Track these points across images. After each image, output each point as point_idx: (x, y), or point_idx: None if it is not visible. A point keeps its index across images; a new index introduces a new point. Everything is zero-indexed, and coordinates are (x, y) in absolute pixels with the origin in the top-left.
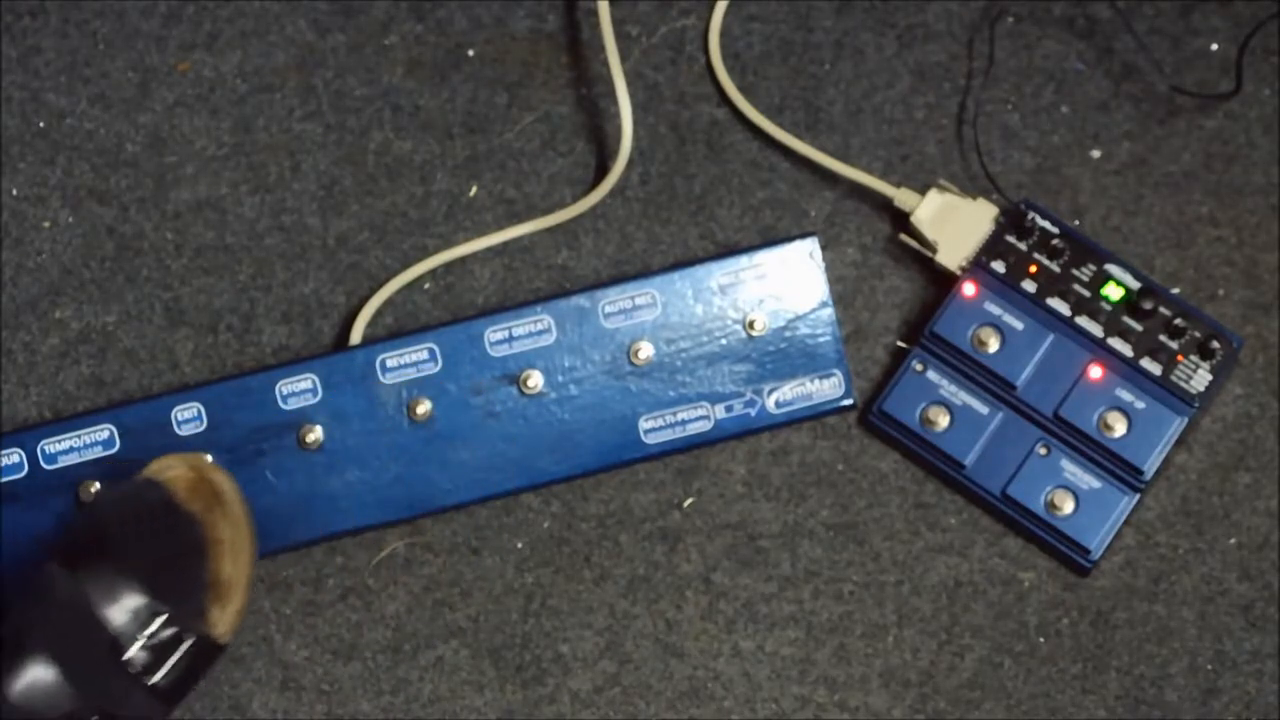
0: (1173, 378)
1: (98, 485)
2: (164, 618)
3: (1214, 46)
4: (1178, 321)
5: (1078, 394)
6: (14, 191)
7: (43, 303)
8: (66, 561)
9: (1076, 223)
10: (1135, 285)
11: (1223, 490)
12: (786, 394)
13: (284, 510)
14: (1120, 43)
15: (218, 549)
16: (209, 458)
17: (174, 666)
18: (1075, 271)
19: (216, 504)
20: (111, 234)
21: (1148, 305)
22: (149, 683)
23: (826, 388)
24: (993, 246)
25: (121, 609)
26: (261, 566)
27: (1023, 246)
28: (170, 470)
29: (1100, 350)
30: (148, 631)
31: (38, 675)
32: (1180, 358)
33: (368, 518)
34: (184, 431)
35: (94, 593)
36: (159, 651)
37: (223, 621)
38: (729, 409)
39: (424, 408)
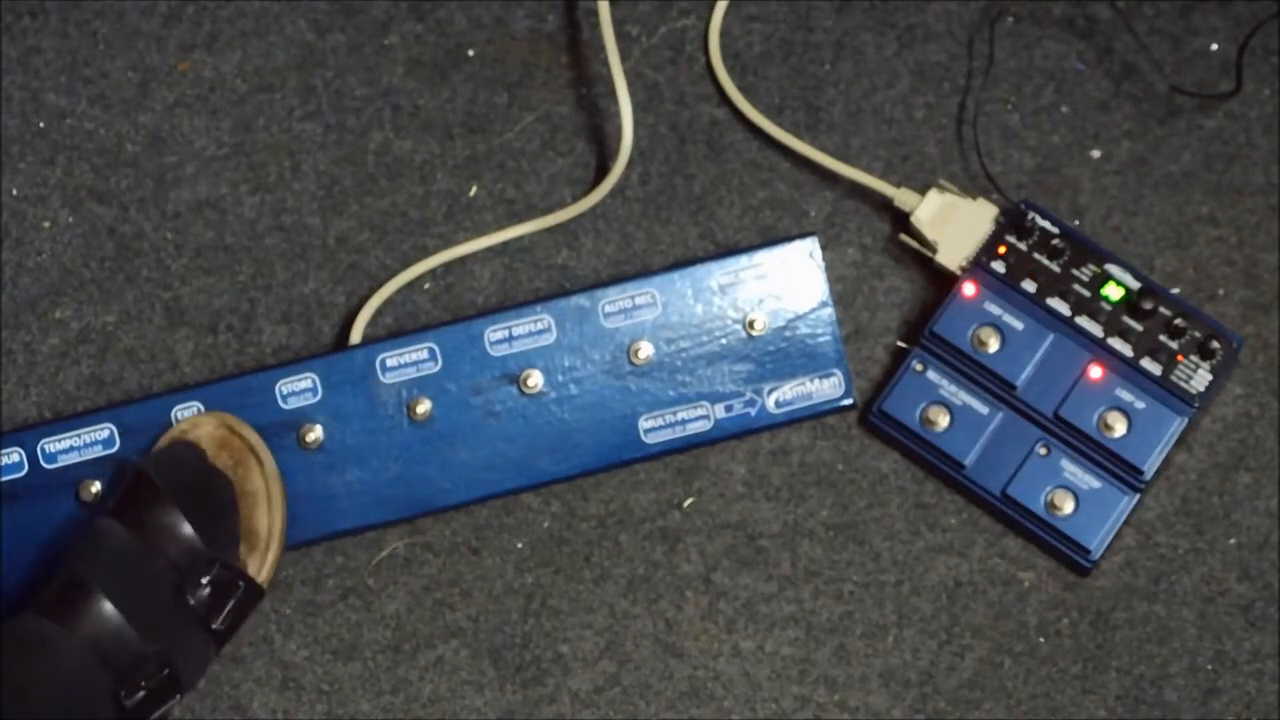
0: (1173, 378)
1: (98, 485)
2: (218, 564)
3: (1214, 46)
4: (1178, 321)
5: (1078, 394)
6: (14, 191)
7: (43, 303)
8: (119, 515)
9: (1076, 223)
10: (1135, 285)
11: (1223, 490)
12: (786, 394)
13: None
14: (1120, 43)
15: (249, 501)
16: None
17: (230, 610)
18: (1075, 271)
19: (246, 457)
20: (111, 234)
21: (1148, 305)
22: (212, 626)
23: (826, 387)
24: (993, 246)
25: (182, 554)
26: None
27: (1023, 246)
28: (200, 428)
29: (1100, 350)
30: (206, 577)
31: (105, 622)
32: (1180, 358)
33: (368, 517)
34: None
35: (154, 540)
36: (217, 596)
37: (261, 570)
38: (729, 408)
39: (424, 407)
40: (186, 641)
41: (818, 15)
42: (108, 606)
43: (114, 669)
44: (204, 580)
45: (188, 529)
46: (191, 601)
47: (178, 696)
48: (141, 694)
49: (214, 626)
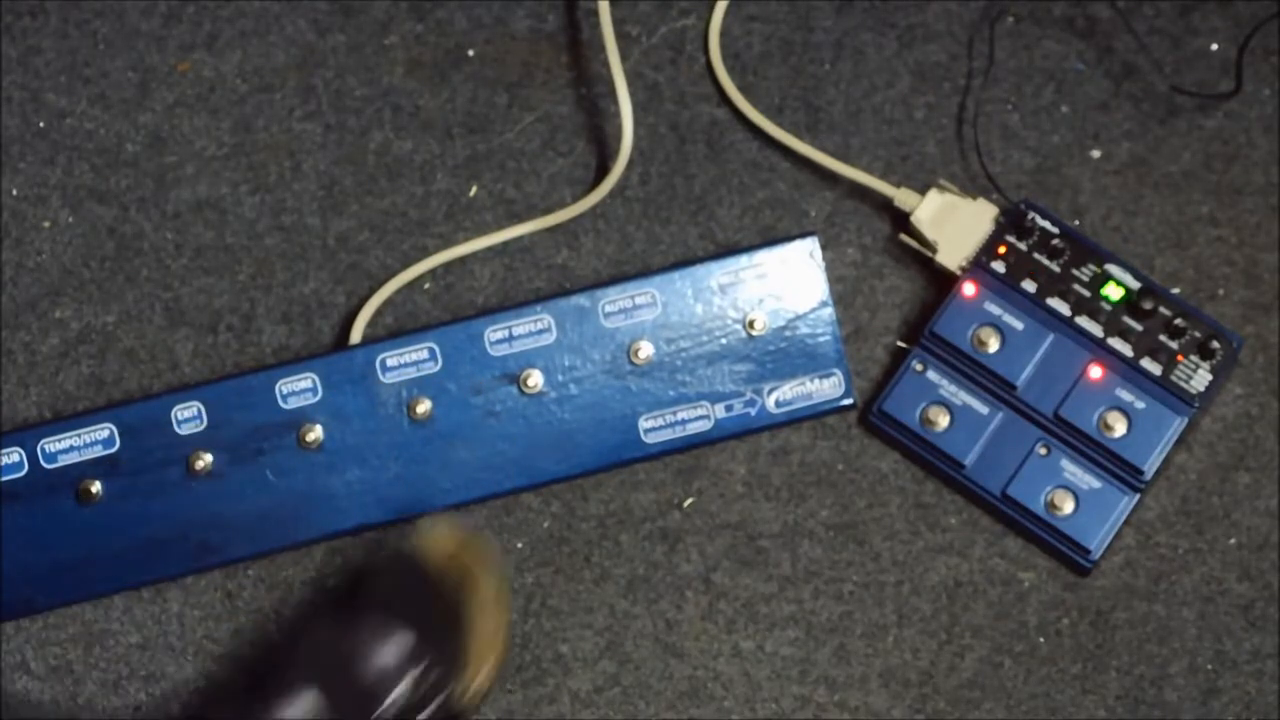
0: (1173, 378)
1: (99, 484)
2: (424, 667)
3: (1214, 46)
4: (1178, 321)
5: (1078, 394)
6: (14, 191)
7: (43, 303)
8: (327, 615)
9: (1076, 223)
10: (1135, 285)
11: (1223, 490)
12: (786, 393)
13: (284, 510)
14: (1120, 43)
15: (477, 609)
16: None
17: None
18: (1075, 271)
19: (474, 571)
20: (111, 234)
21: (1148, 305)
22: None
23: (826, 387)
24: (993, 246)
25: (388, 654)
26: (261, 566)
27: (1023, 246)
28: (433, 538)
29: (1100, 350)
30: (410, 678)
31: (307, 706)
32: (1180, 358)
33: (368, 517)
34: (184, 431)
35: (365, 635)
36: (417, 704)
37: (479, 682)
38: (729, 408)
39: (424, 407)
40: None
41: (818, 15)
42: (311, 694)
43: None
44: (404, 682)
45: (401, 629)
46: (387, 702)
47: None
48: None
49: None
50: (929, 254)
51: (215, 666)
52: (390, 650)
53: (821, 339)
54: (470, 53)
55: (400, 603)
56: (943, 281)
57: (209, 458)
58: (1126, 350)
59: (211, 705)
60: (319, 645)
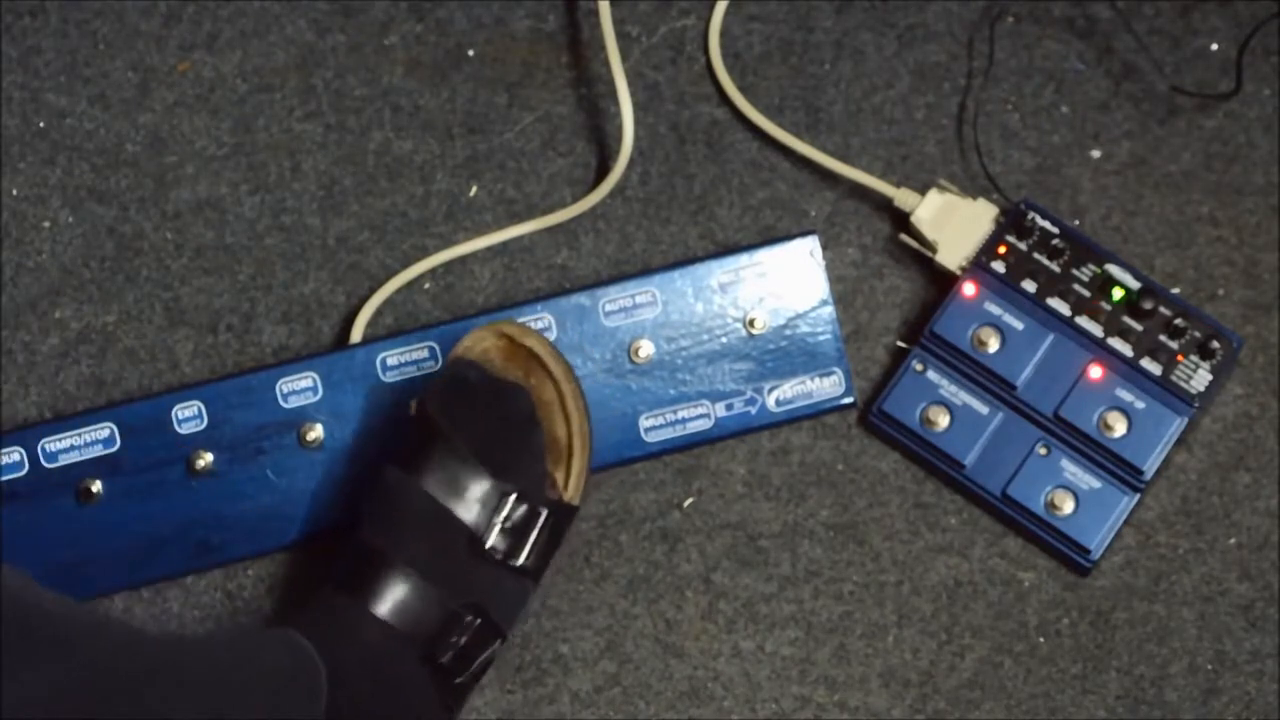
0: (1173, 378)
1: (99, 484)
2: (513, 497)
3: (1214, 46)
4: (1178, 321)
5: (1078, 394)
6: (14, 191)
7: (43, 303)
8: (405, 464)
9: (1076, 223)
10: (1135, 285)
11: (1223, 490)
12: (787, 392)
13: (284, 509)
14: (1120, 43)
15: (547, 411)
16: (517, 322)
17: (534, 543)
18: (1075, 271)
19: (536, 366)
20: (111, 234)
21: (1148, 305)
22: (515, 564)
23: (827, 386)
24: (993, 246)
25: (470, 501)
26: (261, 566)
27: (1023, 246)
28: (482, 343)
29: (1100, 350)
30: (501, 516)
31: (404, 589)
32: (1180, 358)
33: None
34: (184, 430)
35: (439, 492)
36: (517, 533)
37: (570, 483)
38: (729, 407)
39: None
40: (495, 586)
41: (818, 15)
42: (407, 572)
43: (423, 634)
44: (501, 521)
45: (473, 467)
46: (490, 544)
47: (499, 641)
48: (456, 650)
49: (520, 564)
50: (929, 254)
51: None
52: (471, 499)
53: (822, 338)
54: (470, 53)
55: (468, 439)
56: (943, 281)
57: (209, 457)
58: (1126, 350)
59: (303, 611)
60: (402, 518)
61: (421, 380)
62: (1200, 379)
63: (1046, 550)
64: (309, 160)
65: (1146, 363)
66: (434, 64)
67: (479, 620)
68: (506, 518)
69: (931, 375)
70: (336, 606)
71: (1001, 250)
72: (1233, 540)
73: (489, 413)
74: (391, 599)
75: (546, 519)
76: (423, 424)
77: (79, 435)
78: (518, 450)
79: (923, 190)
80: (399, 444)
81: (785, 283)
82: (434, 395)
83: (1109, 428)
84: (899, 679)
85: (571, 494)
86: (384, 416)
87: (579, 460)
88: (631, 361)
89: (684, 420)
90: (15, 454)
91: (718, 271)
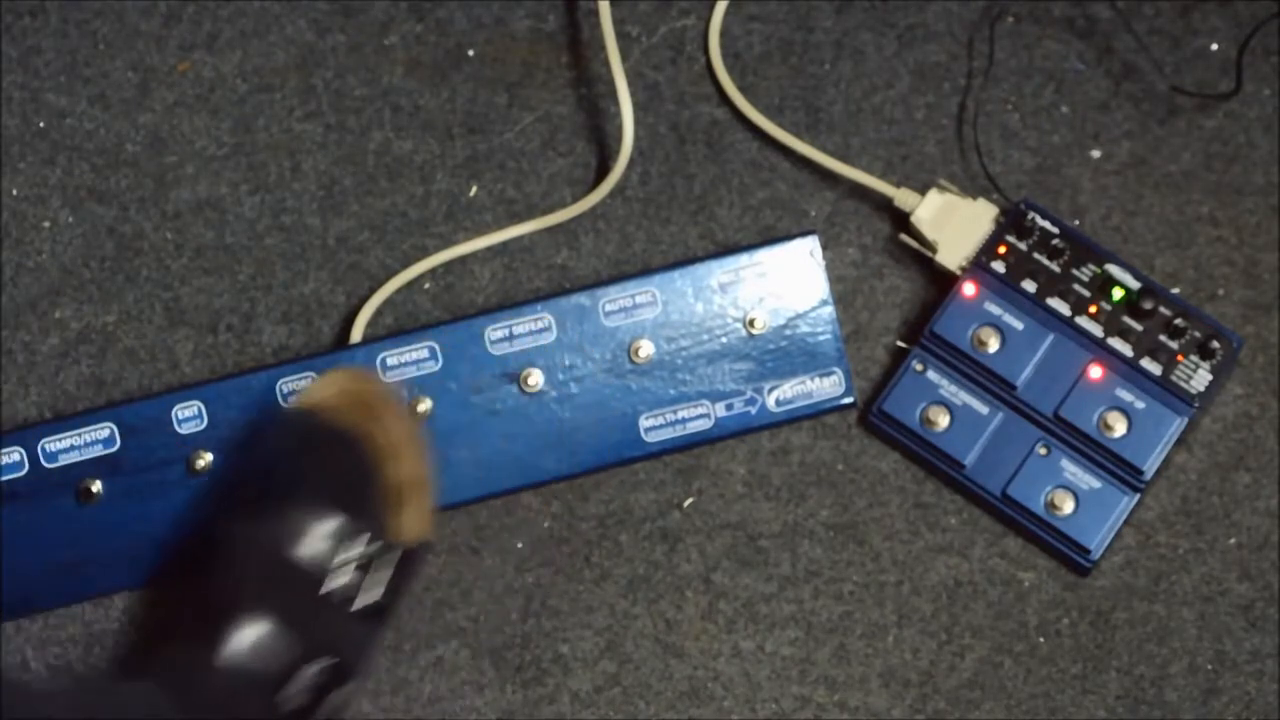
0: (1173, 378)
1: (99, 484)
2: (360, 539)
3: (1214, 46)
4: (1178, 321)
5: (1078, 394)
6: (14, 191)
7: (43, 303)
8: (249, 513)
9: (1076, 223)
10: (1135, 285)
11: (1223, 490)
12: (787, 392)
13: None
14: (1120, 43)
15: (388, 454)
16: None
17: (383, 583)
18: (1075, 271)
19: (375, 412)
20: (111, 234)
21: (1148, 305)
22: (361, 606)
23: (827, 386)
24: (993, 246)
25: (316, 545)
26: None
27: (1023, 246)
28: (322, 392)
29: (1100, 350)
30: (348, 557)
31: (252, 637)
32: (1180, 358)
33: None
34: (185, 430)
35: (285, 538)
36: (365, 573)
37: (411, 525)
38: (729, 407)
39: (424, 406)
40: (344, 628)
41: (818, 15)
42: (255, 620)
43: (273, 681)
44: (343, 560)
45: (315, 510)
46: (336, 587)
47: (349, 683)
48: (307, 695)
49: (370, 605)
50: (929, 254)
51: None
52: (314, 541)
53: (822, 337)
54: (470, 53)
55: (308, 485)
56: (943, 281)
57: (209, 457)
58: (1126, 350)
59: (152, 660)
60: (245, 566)
61: (420, 380)
62: (1200, 379)
63: (1046, 550)
64: (309, 160)
65: (1146, 363)
66: (434, 64)
67: (329, 663)
68: (354, 559)
69: (931, 375)
70: (182, 658)
71: (1001, 250)
72: (1233, 540)
73: (331, 460)
74: (239, 647)
75: (394, 558)
76: (264, 474)
77: (79, 435)
78: (361, 494)
79: (923, 190)
80: (243, 493)
81: (785, 283)
82: (275, 446)
83: (1109, 428)
84: (899, 679)
85: (419, 533)
86: None
87: (424, 499)
88: (631, 361)
89: (684, 420)
90: (15, 454)
91: (718, 271)
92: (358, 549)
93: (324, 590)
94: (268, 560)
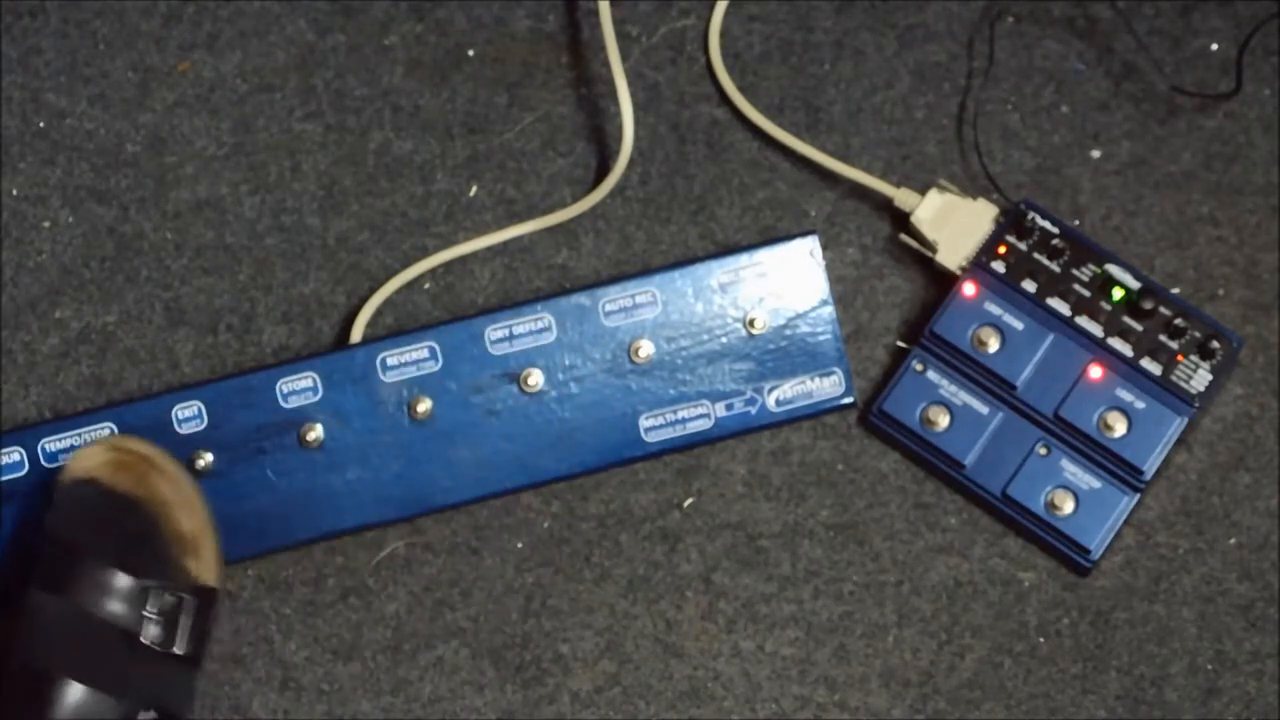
0: (1173, 378)
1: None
2: (155, 591)
3: (1214, 46)
4: (1178, 321)
5: (1078, 394)
6: (14, 191)
7: (43, 303)
8: (47, 584)
9: (1076, 223)
10: (1135, 285)
11: (1223, 490)
12: (787, 392)
13: (284, 509)
14: (1120, 43)
15: (167, 511)
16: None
17: (186, 629)
18: (1075, 271)
19: (147, 470)
20: (111, 234)
21: (1148, 305)
22: (173, 652)
23: (827, 386)
24: (993, 246)
25: (116, 603)
26: (261, 566)
27: (1023, 246)
28: (91, 460)
29: (1100, 350)
30: (147, 610)
31: (74, 703)
32: (1180, 358)
33: (368, 516)
34: (184, 430)
35: (86, 602)
36: (168, 622)
37: (204, 570)
38: (729, 407)
39: (424, 406)
40: (161, 677)
41: (818, 15)
42: (73, 686)
43: None
44: (147, 613)
45: (115, 570)
46: (146, 640)
47: None
48: None
49: (179, 652)
50: (929, 254)
51: None
52: (116, 598)
53: (822, 337)
54: (470, 53)
55: (99, 548)
56: (943, 281)
57: (209, 457)
58: (1126, 350)
59: None
60: (53, 632)
61: (420, 380)
62: (1200, 379)
63: (1046, 550)
64: (309, 160)
65: (1146, 363)
66: (434, 64)
67: (154, 714)
68: (154, 611)
69: (931, 375)
70: None
71: (1001, 250)
72: (1233, 540)
73: (113, 523)
74: (63, 710)
75: (191, 605)
76: (56, 544)
77: (79, 435)
78: (147, 550)
79: (923, 190)
80: (37, 566)
81: (785, 283)
82: (59, 517)
83: (1109, 428)
84: (899, 679)
85: (208, 578)
86: (385, 417)
87: (208, 547)
88: (631, 361)
89: (684, 420)
90: (15, 454)
91: (718, 271)
92: (153, 602)
93: (134, 644)
94: (76, 624)
